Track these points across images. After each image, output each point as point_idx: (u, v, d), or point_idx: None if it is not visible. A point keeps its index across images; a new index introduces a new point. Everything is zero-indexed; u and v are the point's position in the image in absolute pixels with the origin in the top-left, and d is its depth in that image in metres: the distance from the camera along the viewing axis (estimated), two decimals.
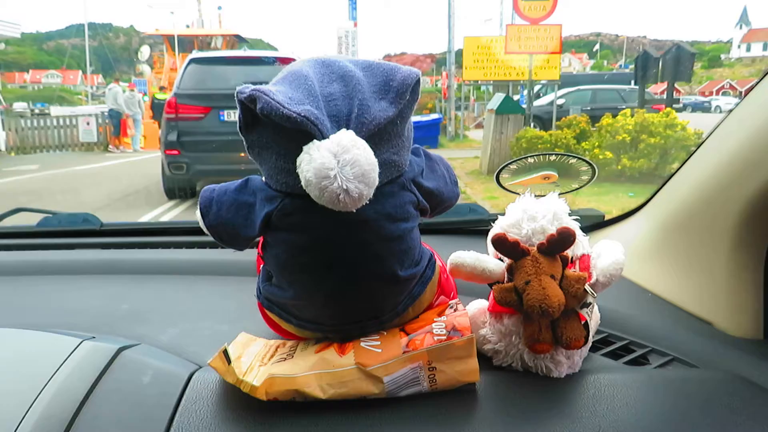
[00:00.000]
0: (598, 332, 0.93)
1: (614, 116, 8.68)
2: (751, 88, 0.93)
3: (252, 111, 0.67)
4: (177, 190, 7.42)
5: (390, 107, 0.69)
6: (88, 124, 16.54)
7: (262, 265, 0.85)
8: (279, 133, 0.68)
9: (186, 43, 28.49)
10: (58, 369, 0.76)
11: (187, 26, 32.59)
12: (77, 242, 1.46)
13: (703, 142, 1.01)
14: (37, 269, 1.31)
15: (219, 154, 6.47)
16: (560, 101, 14.25)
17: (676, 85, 10.27)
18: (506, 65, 15.92)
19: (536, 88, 16.72)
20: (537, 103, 14.49)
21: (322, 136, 0.64)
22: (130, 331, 0.95)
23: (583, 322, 0.78)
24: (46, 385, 0.73)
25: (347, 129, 0.66)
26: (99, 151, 16.20)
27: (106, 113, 16.34)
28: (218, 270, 1.26)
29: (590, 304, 0.80)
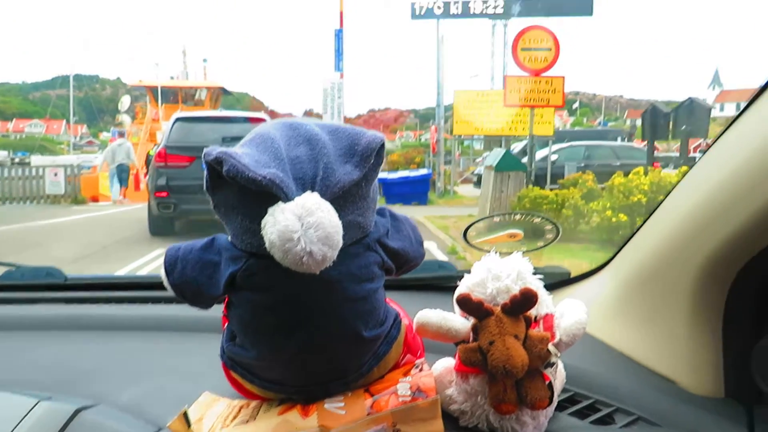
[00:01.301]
0: (564, 390, 0.93)
1: (626, 174, 7.91)
2: (707, 149, 0.96)
3: (218, 172, 0.69)
4: (163, 227, 8.55)
5: (355, 170, 0.71)
6: (55, 175, 15.83)
7: (226, 324, 0.84)
8: (245, 195, 0.69)
9: (170, 94, 28.43)
10: (13, 430, 0.74)
11: (172, 78, 31.95)
12: (40, 296, 1.43)
13: (662, 202, 1.04)
14: None
15: (202, 196, 7.16)
16: (553, 157, 13.79)
17: (655, 143, 9.93)
18: (498, 119, 15.39)
19: (522, 144, 16.29)
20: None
21: (287, 199, 0.66)
22: (90, 389, 0.93)
23: (547, 383, 0.78)
24: None
25: (312, 191, 0.67)
26: (66, 203, 15.31)
27: (112, 168, 15.50)
28: (184, 326, 1.24)
29: (554, 363, 0.81)
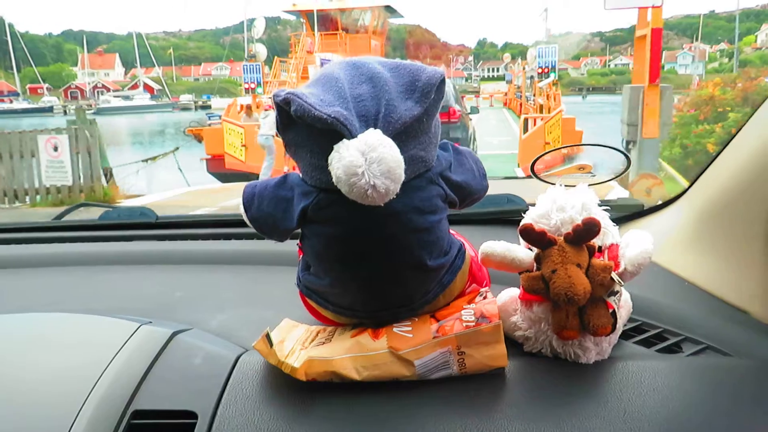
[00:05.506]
0: (631, 320, 0.94)
1: None
2: None
3: (287, 112, 0.73)
4: None
5: (416, 106, 0.73)
6: (55, 149, 8.50)
7: (301, 255, 0.90)
8: (312, 133, 0.73)
9: (328, 20, 22.98)
10: (119, 351, 0.83)
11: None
12: (135, 234, 1.56)
13: (740, 128, 1.00)
14: (99, 259, 1.41)
15: None
16: None
17: None
18: None
19: None
20: None
21: (351, 136, 0.69)
22: (183, 316, 1.02)
23: (611, 311, 0.80)
24: (108, 364, 0.80)
25: (375, 128, 0.70)
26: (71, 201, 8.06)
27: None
28: (264, 260, 1.32)
29: (617, 292, 0.82)
